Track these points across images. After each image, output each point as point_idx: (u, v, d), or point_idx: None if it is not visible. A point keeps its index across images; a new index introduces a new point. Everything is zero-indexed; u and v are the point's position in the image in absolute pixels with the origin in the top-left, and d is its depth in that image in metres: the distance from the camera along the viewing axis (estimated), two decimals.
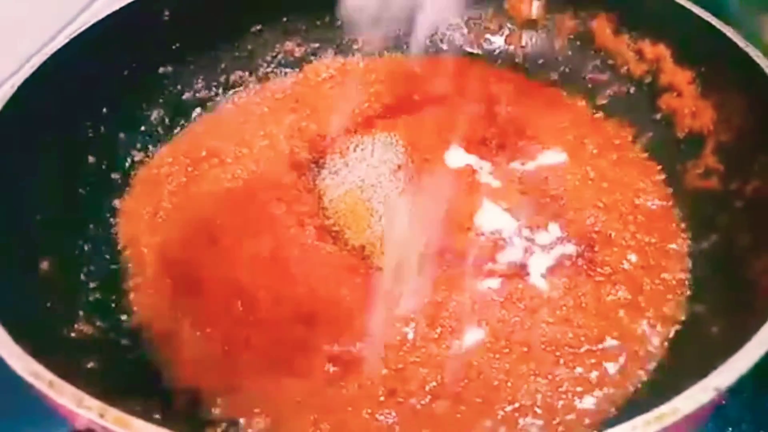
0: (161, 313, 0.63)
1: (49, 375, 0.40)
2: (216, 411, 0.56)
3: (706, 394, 0.38)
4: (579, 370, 0.56)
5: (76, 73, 0.70)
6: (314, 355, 0.58)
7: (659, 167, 0.72)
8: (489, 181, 0.71)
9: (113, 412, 0.38)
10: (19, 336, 0.45)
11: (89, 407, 0.38)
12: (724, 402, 0.63)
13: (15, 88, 0.64)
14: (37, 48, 0.78)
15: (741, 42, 0.63)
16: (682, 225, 0.67)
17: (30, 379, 0.40)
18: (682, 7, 0.70)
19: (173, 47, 0.80)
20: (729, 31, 0.65)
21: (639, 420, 0.37)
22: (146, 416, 0.40)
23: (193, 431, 0.53)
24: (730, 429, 0.60)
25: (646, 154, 0.74)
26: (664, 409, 0.37)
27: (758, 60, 0.61)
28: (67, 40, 0.70)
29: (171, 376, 0.58)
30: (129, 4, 0.75)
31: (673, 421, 0.36)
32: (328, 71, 0.87)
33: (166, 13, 0.78)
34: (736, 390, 0.40)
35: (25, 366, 0.41)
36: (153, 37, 0.78)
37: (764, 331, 0.42)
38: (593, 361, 0.57)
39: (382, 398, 0.56)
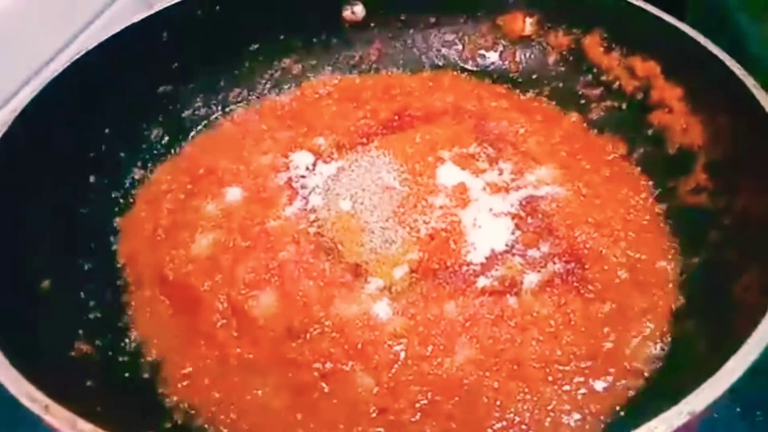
0: (159, 330, 0.64)
1: (44, 399, 0.42)
2: (209, 428, 0.57)
3: (680, 418, 0.39)
4: (566, 387, 0.57)
5: (77, 94, 0.72)
6: (307, 372, 0.59)
7: (651, 183, 0.73)
8: (481, 197, 0.72)
9: None
10: (17, 357, 0.47)
11: (82, 430, 0.39)
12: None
13: (17, 111, 0.66)
14: (35, 69, 0.81)
15: (728, 60, 0.64)
16: (673, 242, 0.67)
17: (26, 403, 0.42)
18: (672, 25, 0.71)
19: (172, 67, 0.82)
20: (716, 50, 0.66)
21: None
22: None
23: None
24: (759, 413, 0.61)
25: (638, 170, 0.75)
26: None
27: (744, 79, 0.62)
28: (68, 63, 0.72)
29: (167, 393, 0.59)
30: (128, 26, 0.77)
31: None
32: (325, 88, 0.88)
33: (165, 34, 0.80)
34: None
35: (21, 389, 0.42)
36: (152, 58, 0.80)
37: (741, 353, 0.43)
38: (581, 378, 0.58)
39: (373, 415, 0.57)
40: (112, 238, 0.72)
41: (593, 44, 0.81)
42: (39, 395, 0.42)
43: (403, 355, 0.60)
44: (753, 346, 0.43)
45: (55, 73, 0.70)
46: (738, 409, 0.65)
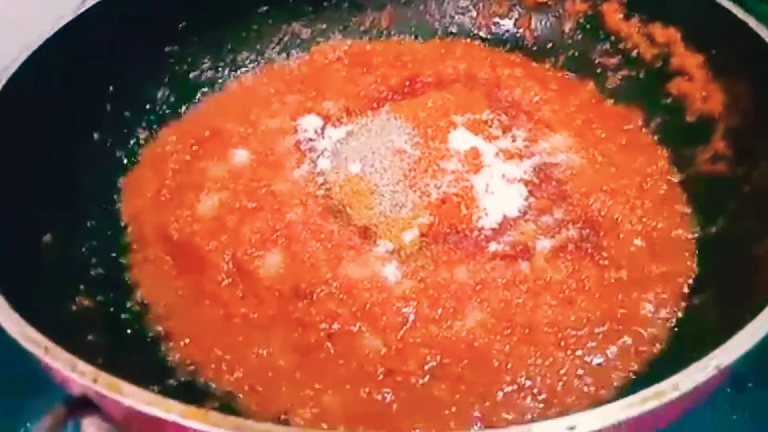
0: (162, 289, 0.63)
1: (44, 341, 0.40)
2: (214, 385, 0.56)
3: (706, 372, 0.37)
4: (579, 352, 0.56)
5: (81, 50, 0.70)
6: (313, 332, 0.58)
7: (668, 152, 0.71)
8: (494, 163, 0.70)
9: (105, 377, 0.38)
10: (17, 304, 0.46)
11: (83, 372, 0.38)
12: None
13: (20, 62, 0.64)
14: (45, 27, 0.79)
15: (752, 23, 0.62)
16: (689, 210, 0.66)
17: (26, 345, 0.40)
18: None
19: (180, 26, 0.80)
20: (740, 13, 0.64)
21: (637, 397, 0.36)
22: (141, 384, 0.40)
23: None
24: None
25: (655, 139, 0.73)
26: (663, 386, 0.37)
27: None
28: (73, 16, 0.70)
29: (170, 351, 0.58)
30: None
31: (670, 399, 0.36)
32: (335, 53, 0.87)
33: None
34: None
35: (21, 331, 0.41)
36: (160, 16, 0.78)
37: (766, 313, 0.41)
38: (594, 344, 0.56)
39: (380, 377, 0.55)
40: (115, 197, 0.71)
41: (612, 11, 0.79)
42: (39, 337, 0.41)
43: (411, 317, 0.59)
44: None
45: (60, 26, 0.68)
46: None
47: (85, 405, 0.41)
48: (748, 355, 0.40)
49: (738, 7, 0.65)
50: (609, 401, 0.51)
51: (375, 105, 0.79)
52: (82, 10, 0.71)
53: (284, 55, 0.87)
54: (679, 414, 0.40)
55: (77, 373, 0.38)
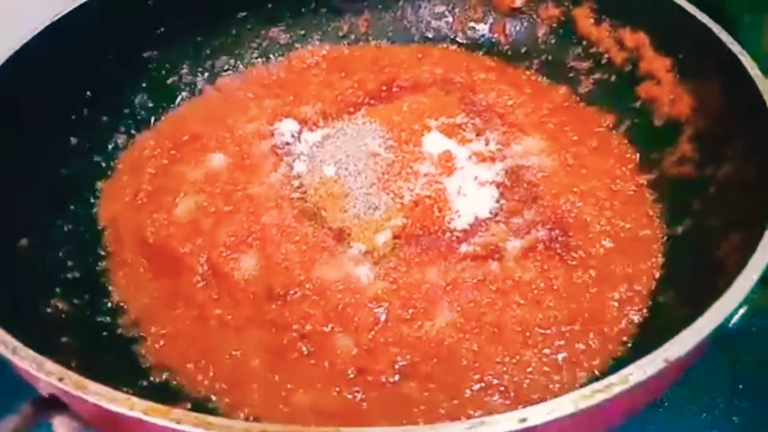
0: (137, 292, 0.63)
1: (12, 341, 0.41)
2: (188, 387, 0.56)
3: (655, 365, 0.38)
4: (546, 350, 0.57)
5: (59, 55, 0.71)
6: (287, 333, 0.59)
7: (637, 154, 0.73)
8: (467, 166, 0.72)
9: (73, 377, 0.38)
10: None
11: (50, 371, 0.39)
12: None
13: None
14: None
15: (715, 27, 0.63)
16: (657, 211, 0.67)
17: None
18: None
19: (158, 32, 0.81)
20: (704, 18, 0.65)
21: (587, 389, 0.37)
22: (113, 385, 0.41)
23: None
24: None
25: (625, 141, 0.75)
26: (613, 378, 0.38)
27: (731, 46, 0.61)
28: (51, 21, 0.70)
29: (145, 353, 0.59)
30: None
31: (621, 391, 0.37)
32: (313, 58, 0.88)
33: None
34: None
35: None
36: (138, 22, 0.79)
37: (716, 307, 0.42)
38: (562, 342, 0.57)
39: (351, 376, 0.56)
40: (93, 201, 0.71)
41: (583, 16, 0.80)
42: (8, 337, 0.41)
43: (383, 317, 0.60)
44: (726, 301, 0.43)
45: (37, 31, 0.69)
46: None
47: (54, 405, 0.42)
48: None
49: (702, 13, 0.66)
50: None
51: (351, 109, 0.80)
52: (60, 15, 0.72)
53: (263, 59, 0.88)
54: (633, 409, 0.41)
55: (44, 372, 0.39)
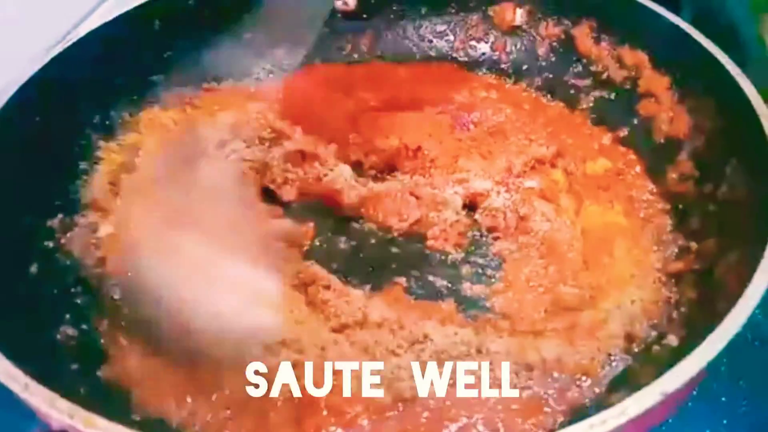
0: None
1: (24, 378, 0.42)
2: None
3: (653, 398, 0.39)
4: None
5: (68, 82, 0.72)
6: None
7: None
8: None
9: (82, 413, 0.40)
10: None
11: (60, 409, 0.40)
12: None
13: (8, 95, 0.66)
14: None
15: (712, 47, 0.64)
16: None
17: (6, 382, 0.42)
18: (658, 14, 0.71)
19: (165, 55, 0.82)
20: (700, 37, 0.66)
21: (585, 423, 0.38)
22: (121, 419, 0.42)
23: None
24: None
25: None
26: (611, 412, 0.39)
27: (728, 66, 0.62)
28: (59, 50, 0.72)
29: None
30: (121, 15, 0.78)
31: (619, 424, 0.38)
32: (315, 78, 0.88)
33: (157, 22, 0.80)
34: None
35: (1, 368, 0.43)
36: (145, 45, 0.80)
37: (715, 336, 0.43)
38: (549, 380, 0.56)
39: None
40: None
41: (583, 35, 0.81)
42: (19, 373, 0.43)
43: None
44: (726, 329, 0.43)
45: (46, 59, 0.70)
46: None
47: None
48: None
49: (699, 32, 0.67)
50: None
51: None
52: (67, 43, 0.73)
53: (267, 79, 0.89)
54: None
55: (55, 410, 0.40)
